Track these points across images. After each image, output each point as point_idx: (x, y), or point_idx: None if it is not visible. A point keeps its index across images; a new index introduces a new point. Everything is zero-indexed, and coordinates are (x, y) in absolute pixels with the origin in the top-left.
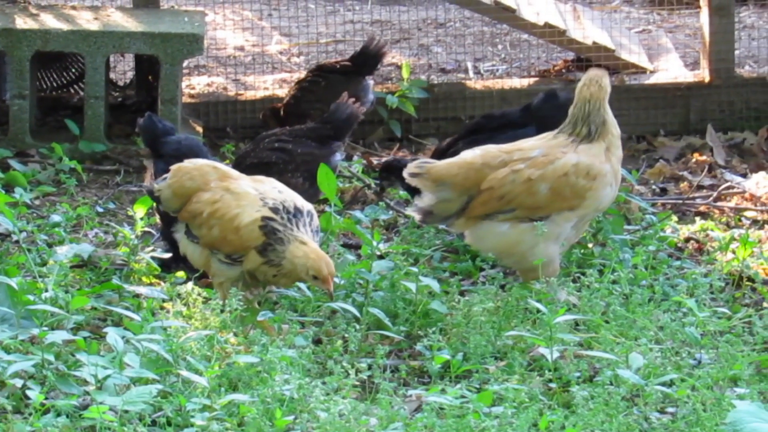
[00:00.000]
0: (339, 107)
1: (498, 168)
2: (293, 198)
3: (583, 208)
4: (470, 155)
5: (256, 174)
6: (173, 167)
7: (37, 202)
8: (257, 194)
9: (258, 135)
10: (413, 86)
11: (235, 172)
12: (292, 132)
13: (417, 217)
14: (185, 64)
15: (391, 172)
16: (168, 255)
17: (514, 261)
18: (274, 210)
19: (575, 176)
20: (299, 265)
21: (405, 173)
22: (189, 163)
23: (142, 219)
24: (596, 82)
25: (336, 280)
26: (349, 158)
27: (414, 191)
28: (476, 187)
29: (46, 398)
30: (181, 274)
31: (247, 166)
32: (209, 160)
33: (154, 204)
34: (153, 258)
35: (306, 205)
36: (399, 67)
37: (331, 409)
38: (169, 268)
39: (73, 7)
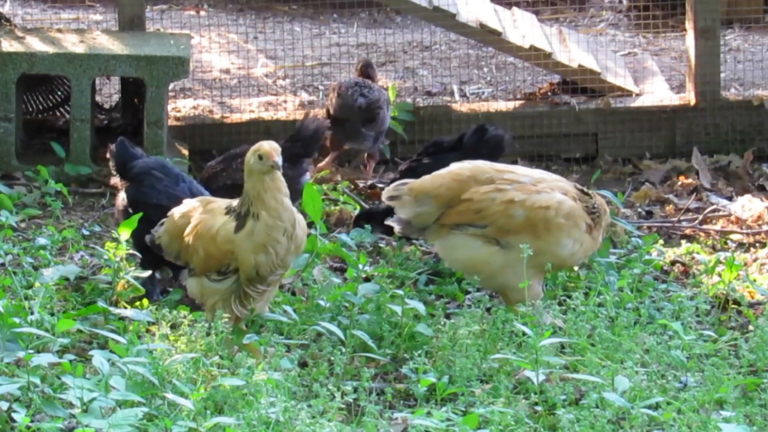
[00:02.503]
0: (303, 124)
1: (484, 183)
2: None
3: (543, 241)
4: (458, 167)
5: (230, 195)
6: (170, 213)
7: (22, 225)
8: (225, 204)
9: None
10: (399, 109)
11: (216, 199)
12: None
13: (397, 228)
14: (171, 86)
15: (368, 220)
16: (147, 273)
17: (481, 279)
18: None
19: (555, 212)
20: (247, 161)
21: (383, 197)
22: (183, 206)
23: (127, 241)
24: None
25: (321, 302)
26: (335, 181)
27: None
28: (457, 198)
29: (32, 421)
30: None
31: (219, 186)
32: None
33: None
34: (136, 278)
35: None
36: (385, 90)
37: None
38: (152, 298)
39: (59, 30)
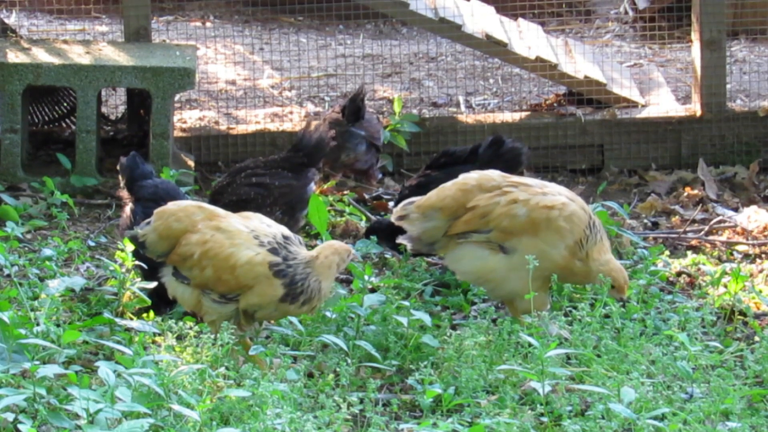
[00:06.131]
0: (305, 134)
1: (490, 191)
2: (280, 229)
3: (542, 241)
4: (464, 177)
5: (235, 210)
6: (157, 210)
7: (28, 236)
8: (249, 231)
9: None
10: (405, 120)
11: (221, 211)
12: (267, 163)
13: (409, 245)
14: (177, 98)
15: (377, 233)
16: (153, 284)
17: (490, 289)
18: (273, 251)
19: (558, 212)
20: (334, 264)
21: (393, 218)
22: (173, 205)
23: (132, 253)
24: None
25: (327, 313)
26: (341, 192)
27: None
28: (463, 208)
29: None
30: None
31: (225, 203)
32: (193, 201)
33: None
34: (142, 290)
35: (291, 234)
36: (391, 101)
37: None
38: (159, 310)
39: (65, 42)
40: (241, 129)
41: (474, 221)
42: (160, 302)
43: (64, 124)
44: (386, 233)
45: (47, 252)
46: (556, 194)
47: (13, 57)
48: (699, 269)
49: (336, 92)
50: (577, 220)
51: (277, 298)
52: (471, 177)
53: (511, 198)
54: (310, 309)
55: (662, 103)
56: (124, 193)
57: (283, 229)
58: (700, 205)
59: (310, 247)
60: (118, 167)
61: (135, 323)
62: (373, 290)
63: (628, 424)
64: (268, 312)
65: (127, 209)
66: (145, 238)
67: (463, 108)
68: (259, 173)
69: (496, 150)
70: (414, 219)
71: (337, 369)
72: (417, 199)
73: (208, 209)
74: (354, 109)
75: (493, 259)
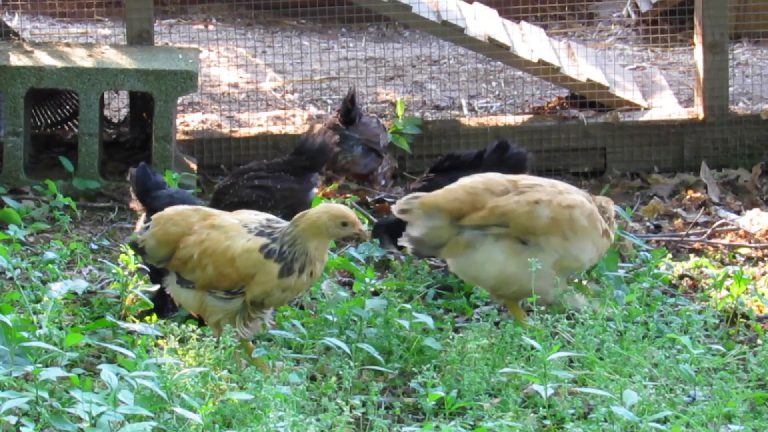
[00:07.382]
0: (308, 137)
1: (501, 195)
2: (264, 215)
3: (569, 242)
4: (470, 180)
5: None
6: (154, 216)
7: (31, 239)
8: (238, 222)
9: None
10: (407, 123)
11: (215, 210)
12: (270, 166)
13: (409, 247)
14: (179, 101)
15: (381, 232)
16: (156, 287)
17: (512, 290)
18: (260, 234)
19: (580, 212)
20: (323, 225)
21: (394, 210)
22: (171, 210)
23: (135, 255)
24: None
25: (329, 317)
26: (343, 195)
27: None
28: (473, 211)
29: None
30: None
31: (226, 204)
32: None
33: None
34: (145, 292)
35: (274, 216)
36: (393, 104)
37: None
38: (162, 313)
39: (68, 44)
40: (243, 132)
41: (491, 218)
42: (164, 305)
43: (66, 127)
44: (390, 232)
45: (50, 255)
46: (573, 193)
47: (16, 60)
48: (701, 272)
49: (338, 95)
50: (596, 216)
51: (276, 277)
52: (477, 180)
53: (534, 198)
54: (311, 278)
55: (665, 106)
56: (137, 205)
57: (267, 215)
58: (703, 208)
59: None
60: (128, 178)
61: (137, 326)
62: (375, 293)
63: (630, 427)
64: (275, 297)
65: (141, 221)
66: (144, 244)
67: (465, 111)
68: (261, 176)
69: (501, 154)
70: (417, 215)
71: (340, 372)
72: (421, 195)
73: (203, 210)
74: (344, 110)
75: (514, 261)
